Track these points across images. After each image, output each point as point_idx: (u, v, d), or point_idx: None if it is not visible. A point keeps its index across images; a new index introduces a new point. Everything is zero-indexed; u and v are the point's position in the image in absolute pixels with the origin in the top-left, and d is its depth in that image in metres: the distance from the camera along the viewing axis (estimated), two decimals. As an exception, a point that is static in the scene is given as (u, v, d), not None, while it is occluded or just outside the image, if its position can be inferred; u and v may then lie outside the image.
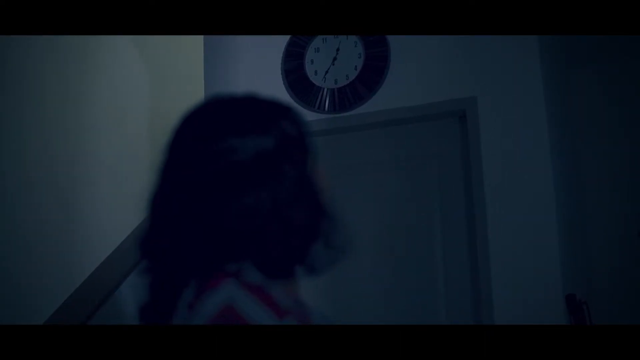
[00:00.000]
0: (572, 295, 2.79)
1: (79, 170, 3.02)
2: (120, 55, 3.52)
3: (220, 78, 3.58)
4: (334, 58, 3.41)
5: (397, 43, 3.29)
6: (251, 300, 0.80)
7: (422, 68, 3.25)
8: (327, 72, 3.40)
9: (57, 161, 2.88)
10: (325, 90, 3.39)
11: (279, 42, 3.51)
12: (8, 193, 2.58)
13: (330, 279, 3.19)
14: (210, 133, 0.92)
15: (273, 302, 0.81)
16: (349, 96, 3.34)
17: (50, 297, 2.59)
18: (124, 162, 3.03)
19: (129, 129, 3.42)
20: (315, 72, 3.43)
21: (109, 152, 3.18)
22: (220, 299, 0.81)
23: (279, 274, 0.89)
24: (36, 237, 2.64)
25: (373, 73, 3.32)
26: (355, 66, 3.35)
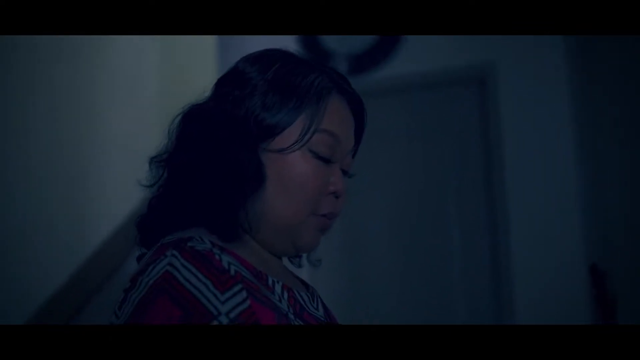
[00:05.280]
0: (595, 266, 2.74)
1: (89, 153, 2.97)
2: (131, 42, 3.41)
3: (235, 46, 3.48)
4: (349, 22, 3.32)
5: (414, 6, 3.19)
6: (190, 269, 0.80)
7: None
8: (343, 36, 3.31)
9: (66, 143, 2.82)
10: (341, 55, 3.31)
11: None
12: (13, 177, 2.54)
13: (345, 269, 3.14)
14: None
15: (215, 273, 0.81)
16: (364, 60, 3.26)
17: (55, 280, 2.56)
18: (135, 145, 2.96)
19: (141, 102, 3.36)
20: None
21: (120, 131, 3.11)
22: (161, 267, 0.81)
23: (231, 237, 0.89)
24: (42, 217, 2.60)
25: (389, 37, 3.23)
26: (371, 30, 3.26)
